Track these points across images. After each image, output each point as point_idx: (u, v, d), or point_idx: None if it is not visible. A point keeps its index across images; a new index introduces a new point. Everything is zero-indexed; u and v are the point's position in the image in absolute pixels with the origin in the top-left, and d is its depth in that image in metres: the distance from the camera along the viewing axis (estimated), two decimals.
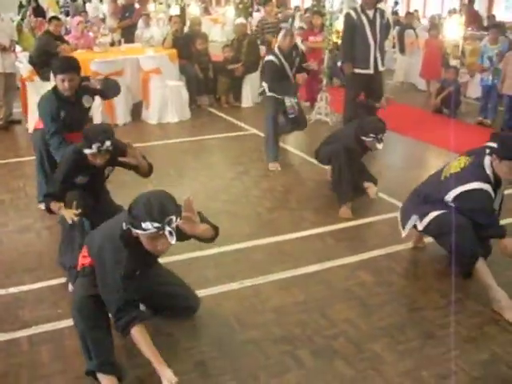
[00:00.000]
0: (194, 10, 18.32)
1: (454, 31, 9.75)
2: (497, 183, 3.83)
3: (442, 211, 3.87)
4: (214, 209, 5.13)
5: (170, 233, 2.67)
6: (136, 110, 8.59)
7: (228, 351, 3.18)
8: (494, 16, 12.23)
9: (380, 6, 7.80)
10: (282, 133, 6.79)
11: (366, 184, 5.29)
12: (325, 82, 8.22)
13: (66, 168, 3.93)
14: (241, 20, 9.84)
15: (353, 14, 7.46)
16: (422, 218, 3.98)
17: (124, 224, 2.80)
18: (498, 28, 9.17)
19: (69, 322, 3.33)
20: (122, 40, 9.66)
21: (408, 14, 13.12)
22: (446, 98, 9.04)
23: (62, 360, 3.12)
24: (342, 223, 4.87)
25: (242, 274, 3.98)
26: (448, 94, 8.96)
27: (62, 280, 3.89)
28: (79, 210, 3.72)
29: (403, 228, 4.18)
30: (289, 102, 6.44)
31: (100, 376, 2.85)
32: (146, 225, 2.64)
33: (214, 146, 7.38)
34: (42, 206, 4.99)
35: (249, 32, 10.37)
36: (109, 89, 5.09)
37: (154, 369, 2.92)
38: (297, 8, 19.16)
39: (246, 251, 4.37)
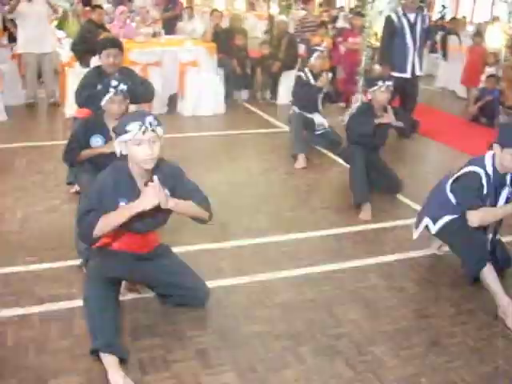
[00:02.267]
0: (239, 5, 18.46)
1: (496, 39, 9.58)
2: (497, 179, 3.77)
3: (454, 216, 3.88)
4: (236, 203, 5.21)
5: (151, 125, 2.88)
6: (172, 102, 8.71)
7: (230, 342, 3.22)
8: None
9: (423, 10, 7.78)
10: (317, 145, 7.01)
11: (364, 207, 5.11)
12: (361, 83, 8.17)
13: (84, 125, 4.11)
14: (281, 17, 9.86)
15: (394, 16, 7.46)
16: (435, 222, 4.00)
17: (116, 147, 3.01)
18: None
19: (81, 302, 3.43)
20: (162, 31, 9.76)
21: (453, 19, 12.95)
22: (484, 107, 8.92)
23: (70, 338, 3.21)
24: (362, 225, 4.87)
25: (254, 269, 4.02)
26: (486, 103, 8.83)
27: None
28: None
29: (416, 228, 4.21)
30: (318, 119, 6.83)
31: (103, 356, 2.93)
32: (129, 126, 2.87)
33: (245, 141, 7.43)
34: (72, 189, 5.16)
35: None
36: (145, 91, 5.04)
37: (156, 353, 3.02)
38: (341, 8, 19.05)
39: (262, 246, 4.40)
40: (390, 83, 5.24)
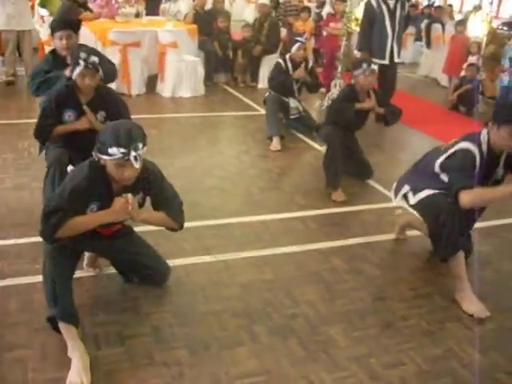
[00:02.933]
0: None
1: (478, 28, 9.62)
2: (490, 158, 3.64)
3: (436, 191, 3.78)
4: (207, 184, 5.24)
5: (135, 158, 2.77)
6: (151, 82, 8.68)
7: (186, 320, 3.26)
8: None
9: None
10: (292, 129, 7.08)
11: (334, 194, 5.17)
12: (340, 68, 8.19)
13: (54, 97, 3.93)
14: (263, 1, 9.83)
15: (373, 2, 7.45)
16: (415, 193, 3.92)
17: (93, 153, 2.91)
18: None
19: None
20: (144, 12, 9.71)
21: (438, 7, 12.96)
22: (463, 96, 8.98)
23: (29, 312, 3.23)
24: (329, 209, 4.92)
25: (217, 249, 4.06)
26: (465, 92, 8.89)
27: None
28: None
29: (395, 196, 4.15)
30: (293, 103, 6.88)
31: (61, 324, 2.93)
32: (113, 150, 2.75)
33: (222, 124, 7.46)
34: None
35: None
36: (111, 71, 4.78)
37: (111, 328, 3.07)
38: None
39: (228, 227, 4.44)
40: (375, 67, 5.24)
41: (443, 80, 11.01)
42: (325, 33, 9.33)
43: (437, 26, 11.58)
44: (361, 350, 3.16)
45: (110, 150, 2.76)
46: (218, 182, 5.34)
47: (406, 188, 4.01)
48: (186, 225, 4.30)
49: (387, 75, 7.37)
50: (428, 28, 11.74)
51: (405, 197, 4.04)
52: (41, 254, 3.74)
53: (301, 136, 6.95)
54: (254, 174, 5.63)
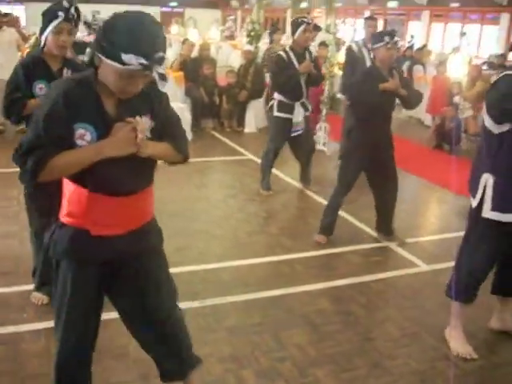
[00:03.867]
0: (213, 34, 18.69)
1: (457, 69, 9.86)
2: None
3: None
4: (193, 228, 5.28)
5: (162, 76, 2.10)
6: None
7: None
8: (503, 55, 12.33)
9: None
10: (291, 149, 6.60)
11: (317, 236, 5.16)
12: (324, 111, 8.34)
13: (21, 70, 3.45)
14: (248, 47, 10.05)
15: (354, 47, 7.65)
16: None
17: (88, 53, 2.18)
18: (502, 68, 9.27)
19: (30, 327, 3.51)
20: None
21: (419, 49, 13.27)
22: (446, 134, 9.14)
23: (14, 361, 3.23)
24: (315, 251, 4.96)
25: (204, 294, 4.07)
26: (448, 130, 9.05)
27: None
28: None
29: (473, 196, 3.49)
30: (296, 118, 6.18)
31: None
32: (128, 57, 2.01)
33: (209, 169, 7.53)
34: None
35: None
36: None
37: (98, 375, 3.04)
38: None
39: (215, 271, 4.47)
40: (398, 39, 4.88)
41: (427, 120, 11.20)
42: None
43: (418, 68, 11.85)
44: None
45: (125, 57, 2.01)
46: (204, 226, 5.38)
47: (485, 176, 3.40)
48: (173, 270, 4.32)
49: None
50: (410, 69, 12.00)
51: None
52: (28, 303, 3.80)
53: (288, 179, 7.02)
54: (240, 218, 5.68)
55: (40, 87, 3.43)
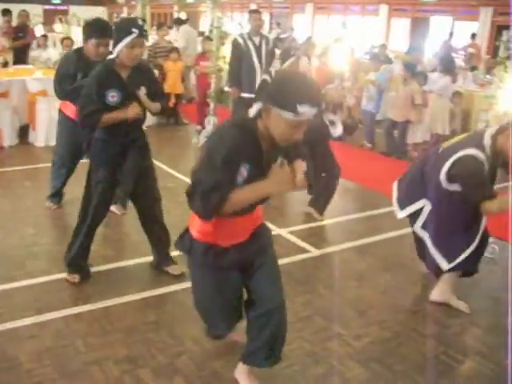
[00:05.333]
0: None
1: (339, 59, 10.18)
2: (493, 162, 3.69)
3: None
4: None
5: (332, 123, 2.74)
6: (23, 133, 8.43)
7: (69, 373, 3.19)
8: (384, 45, 12.86)
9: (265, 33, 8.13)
10: None
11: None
12: (212, 105, 8.38)
13: (98, 78, 3.75)
14: None
15: (240, 40, 7.73)
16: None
17: (256, 107, 2.50)
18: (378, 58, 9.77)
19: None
20: (11, 61, 9.49)
21: (304, 42, 13.55)
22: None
23: None
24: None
25: (97, 296, 4.00)
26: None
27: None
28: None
29: (401, 209, 4.14)
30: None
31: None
32: (304, 108, 2.32)
33: None
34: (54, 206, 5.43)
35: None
36: None
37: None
38: (201, 33, 19.33)
39: (106, 273, 4.39)
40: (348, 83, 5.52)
41: None
42: (196, 72, 9.53)
43: (304, 60, 12.10)
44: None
45: (301, 108, 2.32)
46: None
47: (422, 201, 3.99)
48: (64, 275, 4.25)
49: None
50: (296, 61, 12.23)
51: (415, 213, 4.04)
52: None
53: (174, 172, 7.00)
54: (128, 217, 5.55)
55: (112, 95, 3.75)
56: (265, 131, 2.52)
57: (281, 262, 4.60)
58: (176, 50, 9.77)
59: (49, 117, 8.15)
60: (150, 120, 9.17)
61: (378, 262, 4.83)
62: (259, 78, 7.73)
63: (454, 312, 4.10)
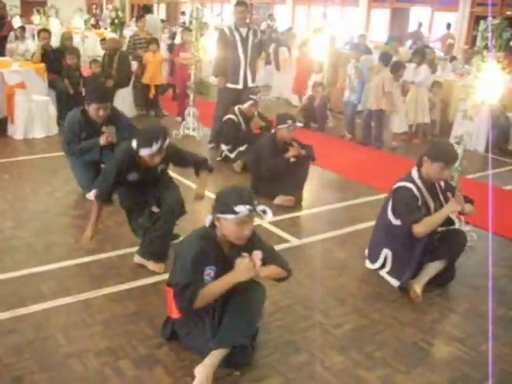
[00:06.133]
0: (77, 23, 18.08)
1: (319, 48, 10.22)
2: (427, 190, 4.18)
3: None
4: (63, 223, 5.15)
5: (264, 211, 3.07)
6: (1, 126, 8.34)
7: (49, 365, 3.18)
8: (364, 36, 12.87)
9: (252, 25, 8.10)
10: None
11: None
12: (192, 97, 8.35)
13: (119, 165, 4.14)
14: (112, 35, 9.82)
15: (226, 30, 7.69)
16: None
17: (209, 219, 3.16)
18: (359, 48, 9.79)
19: None
20: None
21: (284, 32, 13.58)
22: (312, 113, 9.47)
23: None
24: None
25: (77, 289, 3.99)
26: (313, 109, 9.40)
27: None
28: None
29: (373, 262, 4.50)
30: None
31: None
32: (239, 208, 2.95)
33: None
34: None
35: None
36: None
37: None
38: (183, 24, 19.26)
39: (87, 265, 4.38)
40: (300, 124, 6.27)
41: (294, 100, 11.52)
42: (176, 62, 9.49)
43: (283, 49, 12.13)
44: (227, 369, 3.22)
45: (237, 208, 2.95)
46: (74, 220, 5.25)
47: (385, 251, 4.39)
48: (44, 268, 4.23)
49: (242, 99, 7.55)
50: (276, 52, 12.27)
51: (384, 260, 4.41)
52: None
53: None
54: (109, 210, 5.52)
55: (133, 177, 4.18)
56: (222, 236, 3.14)
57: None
58: (155, 41, 9.69)
59: (27, 109, 8.09)
60: (130, 112, 9.13)
61: (358, 251, 4.87)
62: (243, 69, 7.70)
63: (432, 299, 4.16)
